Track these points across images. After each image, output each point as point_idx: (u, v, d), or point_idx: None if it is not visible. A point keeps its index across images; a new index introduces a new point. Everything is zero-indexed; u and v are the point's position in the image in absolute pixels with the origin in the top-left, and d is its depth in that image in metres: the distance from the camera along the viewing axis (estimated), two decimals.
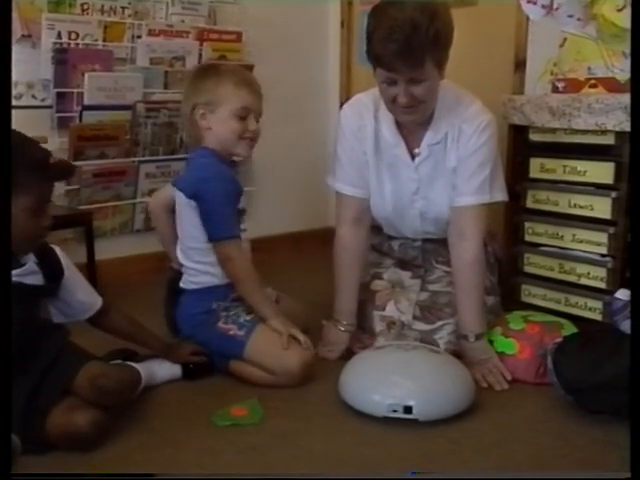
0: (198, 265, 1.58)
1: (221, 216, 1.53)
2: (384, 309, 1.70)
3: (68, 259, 1.37)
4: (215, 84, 1.55)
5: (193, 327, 1.59)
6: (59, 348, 1.28)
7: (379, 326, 1.69)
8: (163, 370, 1.52)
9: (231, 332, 1.55)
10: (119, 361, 1.46)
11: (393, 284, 1.74)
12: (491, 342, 1.60)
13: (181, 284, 1.63)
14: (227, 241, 1.53)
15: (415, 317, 1.67)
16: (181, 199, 1.57)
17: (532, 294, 1.86)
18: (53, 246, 1.35)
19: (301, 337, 1.54)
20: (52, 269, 1.33)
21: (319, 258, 1.94)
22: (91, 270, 2.00)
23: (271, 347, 1.52)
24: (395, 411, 1.34)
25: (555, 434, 1.32)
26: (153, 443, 1.27)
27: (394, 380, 1.40)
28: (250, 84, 1.58)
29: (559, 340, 1.45)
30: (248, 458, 1.22)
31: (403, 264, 1.80)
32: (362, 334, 1.72)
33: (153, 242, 1.92)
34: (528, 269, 1.86)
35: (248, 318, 1.56)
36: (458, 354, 1.63)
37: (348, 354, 1.69)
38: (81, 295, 1.40)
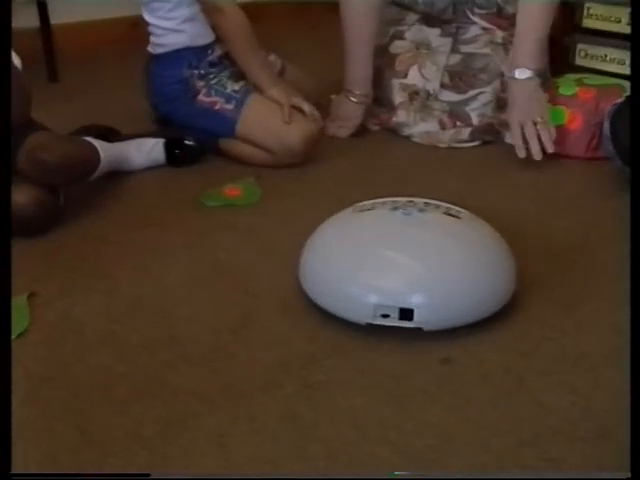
0: (164, 22, 1.53)
1: None
2: (406, 76, 1.67)
3: None
4: None
5: (168, 103, 1.57)
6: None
7: (399, 97, 1.67)
8: (141, 154, 1.55)
9: (217, 106, 1.54)
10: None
11: (417, 45, 1.69)
12: None
13: (148, 48, 1.60)
14: None
15: (443, 85, 1.65)
16: None
17: (590, 55, 1.80)
18: None
19: (306, 107, 1.54)
20: None
21: (325, 30, 1.87)
22: (46, 38, 1.94)
23: (269, 121, 1.51)
24: (385, 316, 1.01)
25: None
26: (135, 223, 1.33)
27: (384, 266, 1.05)
28: None
29: (620, 101, 1.43)
30: (242, 239, 1.28)
31: (429, 20, 1.73)
32: (378, 108, 1.71)
33: (123, 2, 1.85)
34: (587, 23, 1.79)
35: (237, 87, 1.55)
36: (493, 130, 1.64)
37: (361, 132, 1.71)
38: None
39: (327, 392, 0.92)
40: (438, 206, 1.12)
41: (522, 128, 1.51)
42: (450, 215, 1.10)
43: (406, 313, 1.00)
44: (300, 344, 1.01)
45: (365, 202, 1.15)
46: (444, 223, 1.09)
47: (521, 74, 1.52)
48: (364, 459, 0.82)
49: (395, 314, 1.00)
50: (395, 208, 1.09)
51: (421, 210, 1.09)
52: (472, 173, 1.54)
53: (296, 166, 1.52)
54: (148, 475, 0.62)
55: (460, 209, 1.12)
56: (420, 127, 1.66)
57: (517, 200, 1.41)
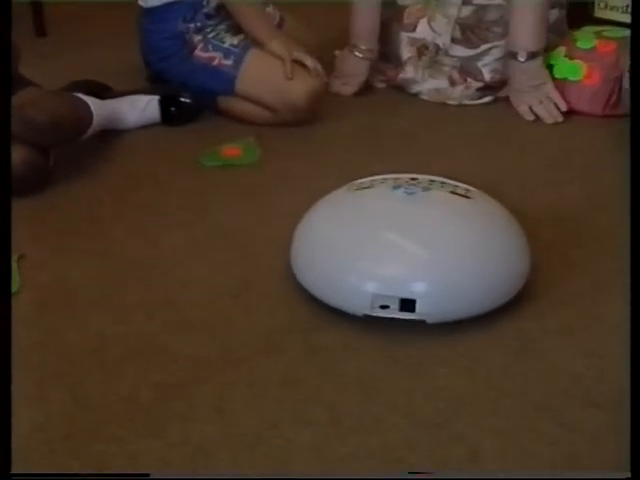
0: None
1: None
2: (414, 29, 1.64)
3: None
4: None
5: (162, 59, 1.55)
6: None
7: (407, 52, 1.64)
8: (135, 111, 1.53)
9: (215, 62, 1.52)
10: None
11: None
12: (550, 67, 1.57)
13: (139, 1, 1.57)
14: None
15: (454, 39, 1.61)
16: None
17: (610, 6, 1.77)
18: None
19: (309, 61, 1.51)
20: None
21: None
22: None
23: (270, 77, 1.50)
24: (385, 307, 0.95)
25: None
26: (129, 185, 1.32)
27: (383, 251, 0.98)
28: None
29: None
30: (242, 201, 1.27)
31: None
32: (385, 64, 1.69)
33: None
34: None
35: (235, 42, 1.53)
36: (504, 85, 1.62)
37: (366, 89, 1.69)
38: None
39: (331, 356, 0.92)
40: (444, 184, 1.04)
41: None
42: (457, 194, 1.02)
43: (407, 304, 0.93)
44: (302, 308, 1.01)
45: (363, 179, 1.07)
46: (451, 203, 1.01)
47: (522, 57, 1.51)
48: (370, 424, 0.82)
49: (395, 305, 0.94)
50: (396, 186, 1.02)
51: (425, 189, 1.02)
52: (483, 132, 1.53)
53: (298, 125, 1.51)
54: (148, 475, 0.64)
55: (469, 187, 1.05)
56: (429, 84, 1.64)
57: (529, 164, 1.40)
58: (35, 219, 1.21)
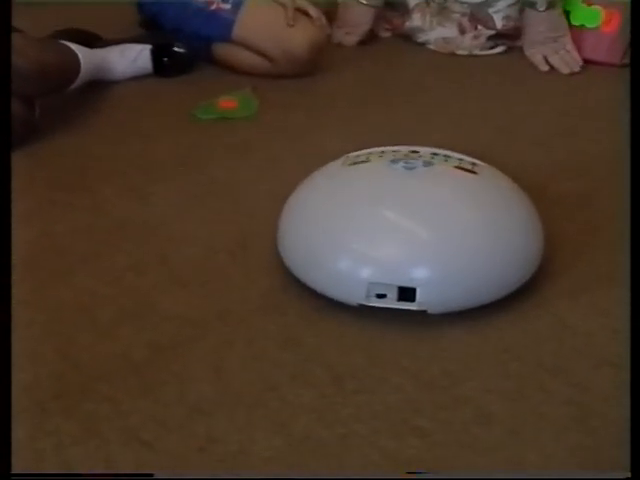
0: None
1: None
2: None
3: None
4: None
5: (156, 2, 1.54)
6: None
7: None
8: (126, 61, 1.51)
9: (213, 6, 1.50)
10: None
11: None
12: (567, 14, 1.55)
13: None
14: None
15: None
16: None
17: None
18: None
19: (312, 10, 1.50)
20: None
21: None
22: None
23: (270, 24, 1.48)
24: (382, 296, 0.89)
25: None
26: (120, 138, 1.31)
27: (380, 234, 0.91)
28: None
29: None
30: (238, 155, 1.26)
31: None
32: (390, 12, 1.68)
33: None
34: None
35: None
36: (518, 35, 1.60)
37: (371, 39, 1.67)
38: None
39: (332, 317, 0.91)
40: (448, 157, 0.97)
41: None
42: (463, 169, 0.95)
43: (407, 292, 0.87)
44: None
45: (358, 152, 1.01)
46: (455, 179, 0.95)
47: (542, 6, 1.49)
48: (373, 385, 0.82)
49: (393, 294, 0.88)
50: (395, 160, 0.95)
51: (427, 163, 0.95)
52: (494, 84, 1.51)
53: (297, 77, 1.49)
54: (152, 475, 0.64)
55: (476, 161, 0.98)
56: (437, 32, 1.62)
57: (542, 115, 1.38)
58: (20, 173, 1.19)
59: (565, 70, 1.51)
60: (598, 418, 0.77)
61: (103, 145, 1.29)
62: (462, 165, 0.96)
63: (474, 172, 0.96)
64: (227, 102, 1.42)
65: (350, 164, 0.99)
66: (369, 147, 1.03)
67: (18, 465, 0.69)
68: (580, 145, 1.28)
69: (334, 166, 1.02)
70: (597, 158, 1.24)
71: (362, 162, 0.99)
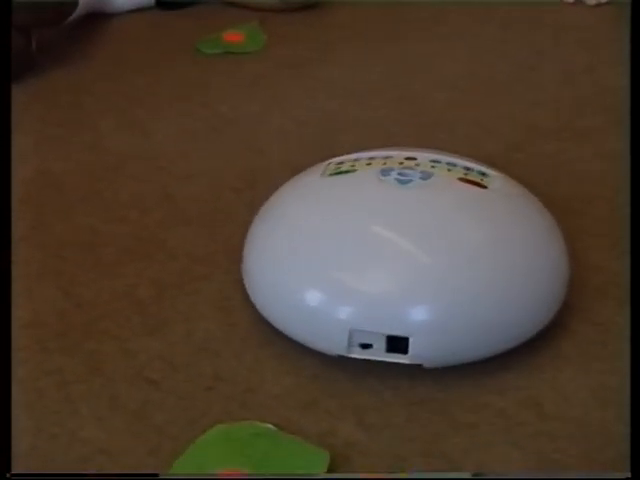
0: None
1: None
2: None
3: None
4: None
5: None
6: None
7: None
8: None
9: None
10: None
11: None
12: None
13: None
14: None
15: None
16: None
17: None
18: None
19: None
20: None
21: None
22: None
23: None
24: (367, 346, 0.72)
25: None
26: (120, 73, 1.28)
27: (364, 267, 0.73)
28: None
29: None
30: (245, 90, 1.23)
31: None
32: None
33: None
34: None
35: None
36: None
37: None
38: None
39: None
40: (452, 166, 0.79)
41: None
42: (470, 182, 0.78)
43: (397, 342, 0.71)
44: None
45: (344, 157, 0.84)
46: (461, 196, 0.77)
47: None
48: None
49: (381, 344, 0.71)
50: (386, 171, 0.78)
51: (425, 174, 0.77)
52: (514, 15, 1.46)
53: (306, 9, 1.46)
54: (156, 475, 0.63)
55: (487, 170, 0.80)
56: None
57: (565, 49, 1.35)
58: (17, 107, 1.17)
59: (591, 1, 1.47)
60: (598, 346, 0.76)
61: (103, 80, 1.26)
62: (469, 176, 0.79)
63: (483, 186, 0.78)
64: (233, 36, 1.39)
65: (331, 174, 0.81)
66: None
67: (18, 402, 0.69)
68: (604, 80, 1.24)
69: (311, 177, 0.84)
70: (621, 92, 1.21)
71: (346, 172, 0.81)
